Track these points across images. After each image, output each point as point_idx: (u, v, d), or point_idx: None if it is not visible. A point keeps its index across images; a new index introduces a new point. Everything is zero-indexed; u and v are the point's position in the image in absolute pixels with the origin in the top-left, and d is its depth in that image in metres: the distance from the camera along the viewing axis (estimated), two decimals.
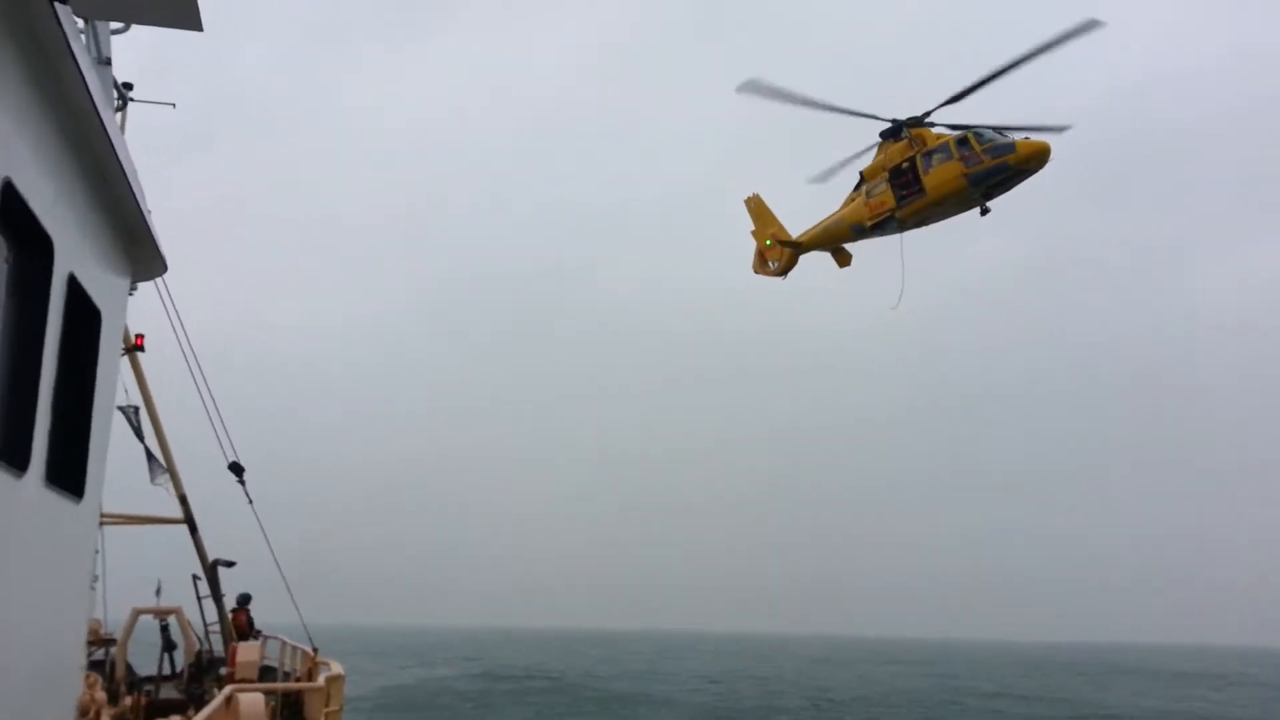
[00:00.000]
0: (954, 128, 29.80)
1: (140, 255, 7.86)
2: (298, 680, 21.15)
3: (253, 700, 14.82)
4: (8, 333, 5.20)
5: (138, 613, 23.74)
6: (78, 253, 6.04)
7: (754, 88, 29.74)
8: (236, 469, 20.83)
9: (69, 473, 6.39)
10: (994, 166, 28.27)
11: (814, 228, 34.66)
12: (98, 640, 21.49)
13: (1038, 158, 27.93)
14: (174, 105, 18.62)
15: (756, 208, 36.72)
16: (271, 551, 20.39)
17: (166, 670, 23.64)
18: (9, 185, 4.65)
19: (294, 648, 22.96)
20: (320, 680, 16.55)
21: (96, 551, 17.88)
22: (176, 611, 23.90)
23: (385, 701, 65.93)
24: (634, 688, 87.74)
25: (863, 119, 30.42)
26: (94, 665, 19.64)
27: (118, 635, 23.01)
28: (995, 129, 29.07)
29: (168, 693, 22.00)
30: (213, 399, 18.42)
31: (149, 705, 17.73)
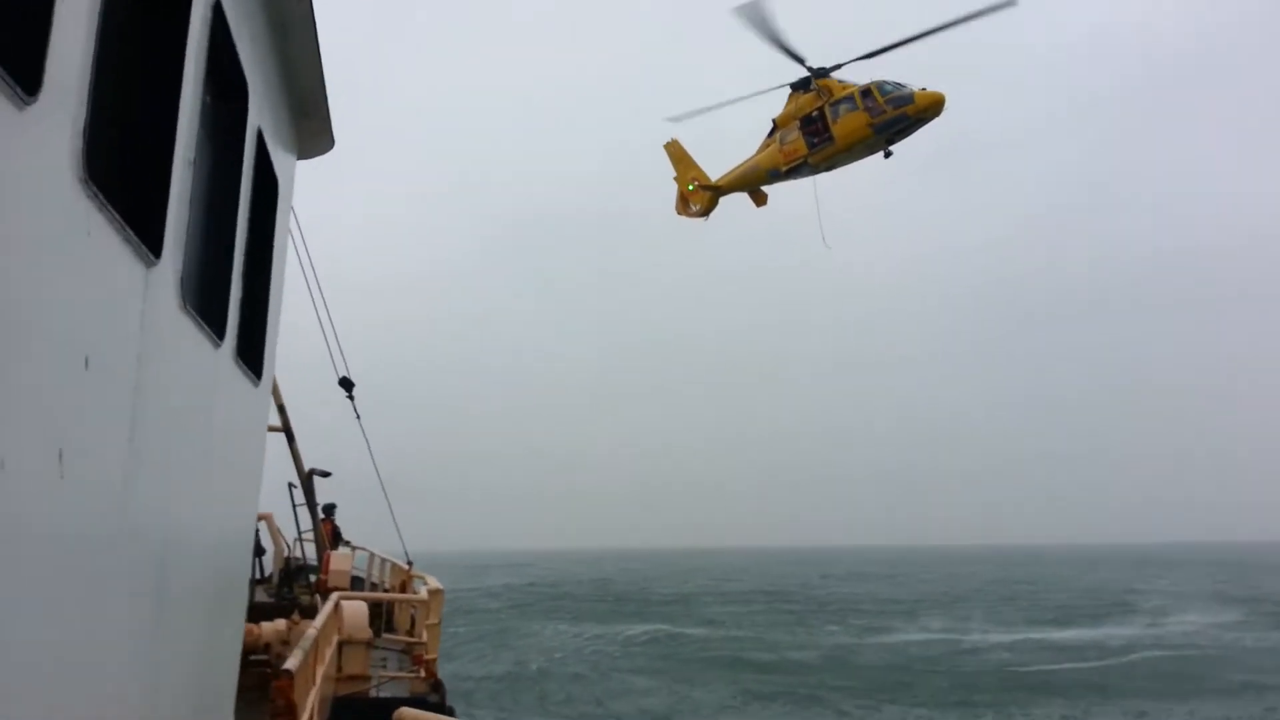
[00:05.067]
0: (870, 56, 31.95)
1: (309, 128, 7.26)
2: (387, 591, 21.26)
3: (356, 608, 14.75)
4: (208, 181, 4.72)
5: None
6: (265, 108, 5.54)
7: (678, 119, 35.85)
8: (346, 384, 20.65)
9: (251, 352, 5.94)
10: (896, 116, 30.81)
11: (732, 172, 37.04)
12: None
13: (933, 107, 30.70)
14: None
15: (677, 153, 38.81)
16: (376, 467, 20.26)
17: (255, 575, 23.93)
18: (219, 13, 4.12)
19: (383, 560, 23.06)
20: (422, 593, 16.45)
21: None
22: (267, 517, 24.11)
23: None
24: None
25: (775, 90, 34.07)
26: None
27: None
28: (918, 36, 31.22)
29: (259, 596, 22.22)
30: (327, 310, 18.15)
31: (250, 607, 17.79)
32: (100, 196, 2.94)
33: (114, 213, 3.10)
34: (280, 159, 6.23)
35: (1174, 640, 56.71)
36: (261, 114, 5.39)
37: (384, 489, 20.82)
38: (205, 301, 4.78)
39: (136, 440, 3.53)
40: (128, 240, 3.31)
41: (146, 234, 3.49)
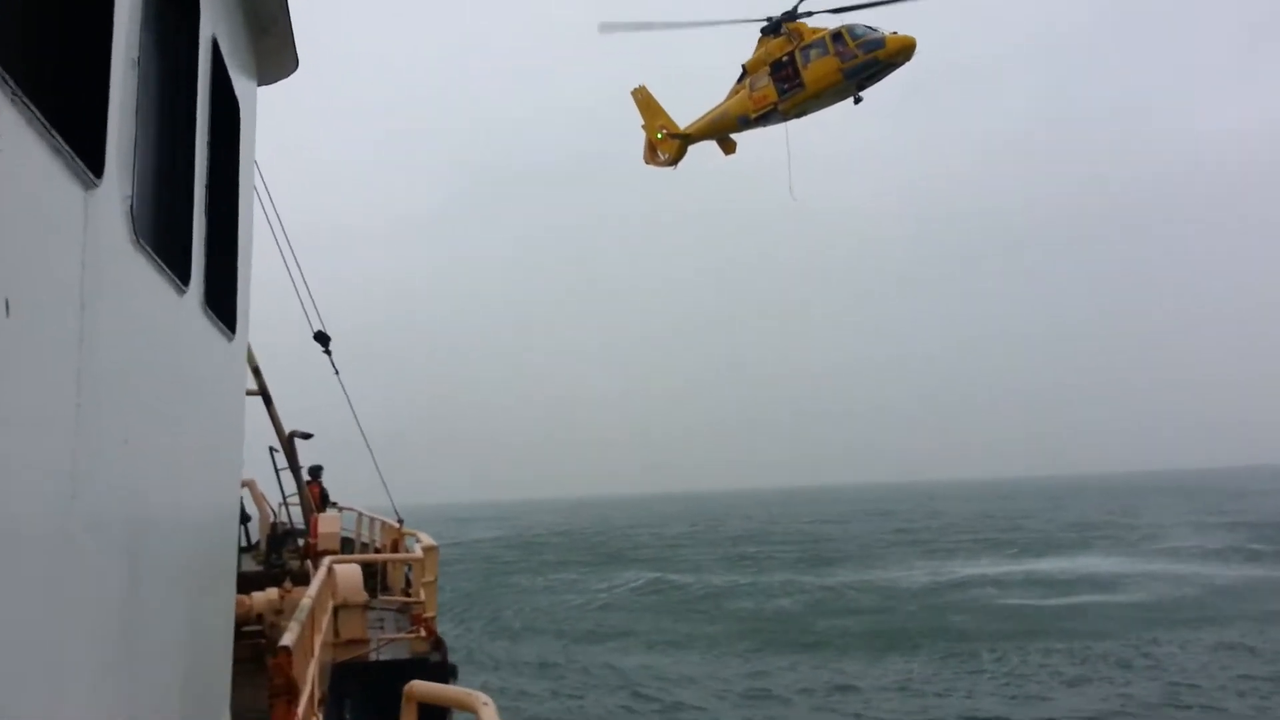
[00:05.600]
0: (836, 12, 31.56)
1: (269, 46, 6.35)
2: (379, 551, 20.78)
3: (349, 571, 14.28)
4: (158, 94, 3.98)
5: None
6: (220, 18, 4.76)
7: (610, 28, 33.53)
8: (322, 338, 19.91)
9: (222, 302, 5.23)
10: (867, 60, 30.29)
11: (701, 119, 36.51)
12: None
13: (904, 51, 30.09)
14: None
15: (644, 100, 38.09)
16: (357, 422, 19.61)
17: (242, 543, 23.41)
18: None
19: (371, 519, 22.55)
20: (415, 551, 15.97)
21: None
22: (250, 484, 23.53)
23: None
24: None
25: (736, 24, 33.50)
26: None
27: None
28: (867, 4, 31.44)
29: (246, 565, 21.72)
30: (297, 263, 17.36)
31: (239, 577, 17.26)
32: (19, 94, 2.24)
33: (36, 114, 2.36)
34: (240, 81, 5.46)
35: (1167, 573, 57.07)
36: (216, 22, 4.62)
37: (368, 445, 20.24)
38: (163, 238, 4.04)
39: (86, 407, 2.86)
40: (58, 152, 2.59)
41: (82, 146, 2.75)
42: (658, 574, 66.46)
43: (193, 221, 4.29)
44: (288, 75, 6.82)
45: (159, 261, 3.72)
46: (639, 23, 34.02)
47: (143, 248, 3.48)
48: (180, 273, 4.11)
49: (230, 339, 5.50)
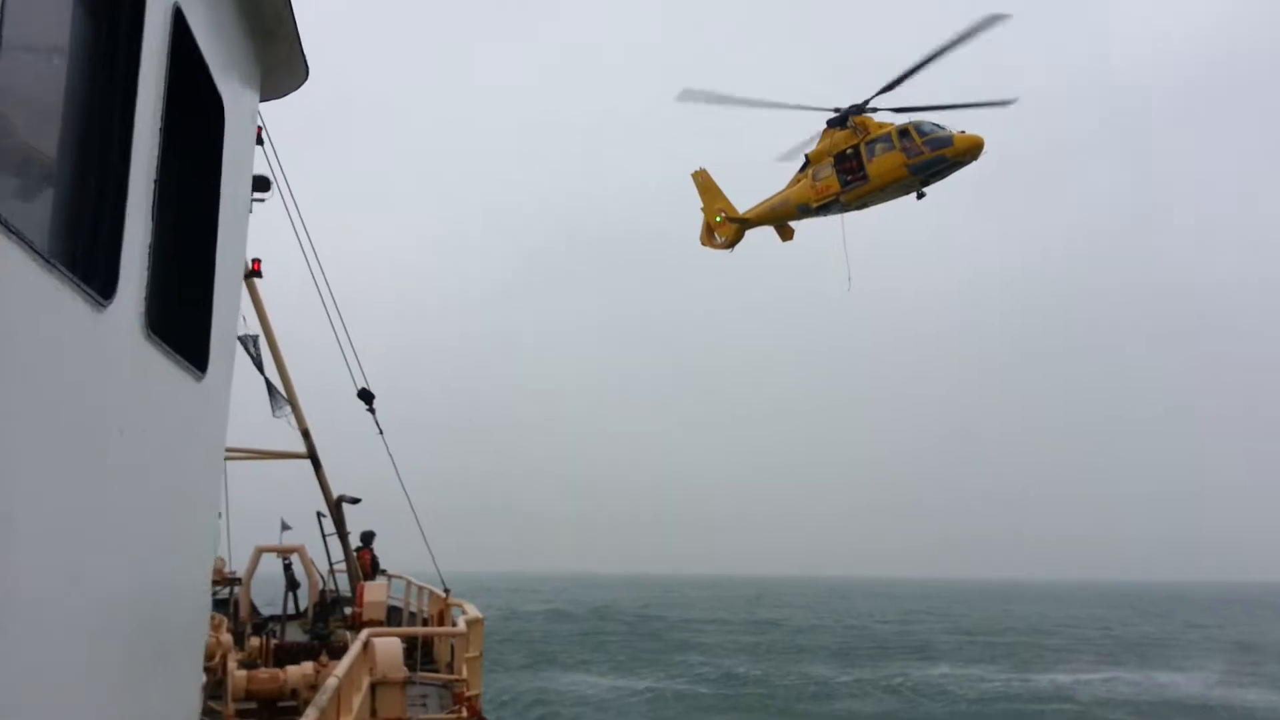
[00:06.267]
0: (899, 111, 31.89)
1: (274, 54, 5.66)
2: (425, 622, 20.05)
3: (389, 645, 13.51)
4: (74, 52, 3.30)
5: (261, 551, 22.95)
6: (198, 4, 4.14)
7: (690, 96, 33.26)
8: (366, 395, 19.49)
9: (185, 335, 4.47)
10: (934, 158, 30.27)
11: (761, 205, 36.43)
12: (222, 579, 20.70)
13: (972, 151, 30.02)
14: None
15: (704, 183, 38.07)
16: (402, 484, 19.04)
17: (290, 610, 22.91)
18: None
19: (420, 588, 21.90)
20: (460, 624, 15.19)
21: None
22: (299, 550, 23.09)
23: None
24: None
25: (806, 111, 33.53)
26: (218, 605, 18.79)
27: (241, 574, 22.25)
28: (935, 107, 31.37)
29: (293, 633, 21.18)
30: (341, 320, 17.00)
31: (277, 649, 16.63)
32: None
33: None
34: (228, 85, 4.81)
35: None
36: (189, 5, 3.98)
37: (414, 510, 19.63)
38: (73, 231, 3.32)
39: None
40: None
41: None
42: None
43: (125, 219, 3.51)
44: (298, 87, 6.24)
45: (59, 265, 2.94)
46: (717, 95, 33.57)
47: (11, 230, 2.64)
48: (98, 278, 3.36)
49: (199, 379, 4.66)
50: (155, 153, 3.74)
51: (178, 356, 4.25)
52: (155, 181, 3.78)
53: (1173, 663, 63.26)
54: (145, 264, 3.75)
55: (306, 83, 6.17)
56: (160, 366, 4.06)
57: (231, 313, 5.39)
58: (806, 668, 58.18)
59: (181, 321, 4.44)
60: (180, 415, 4.50)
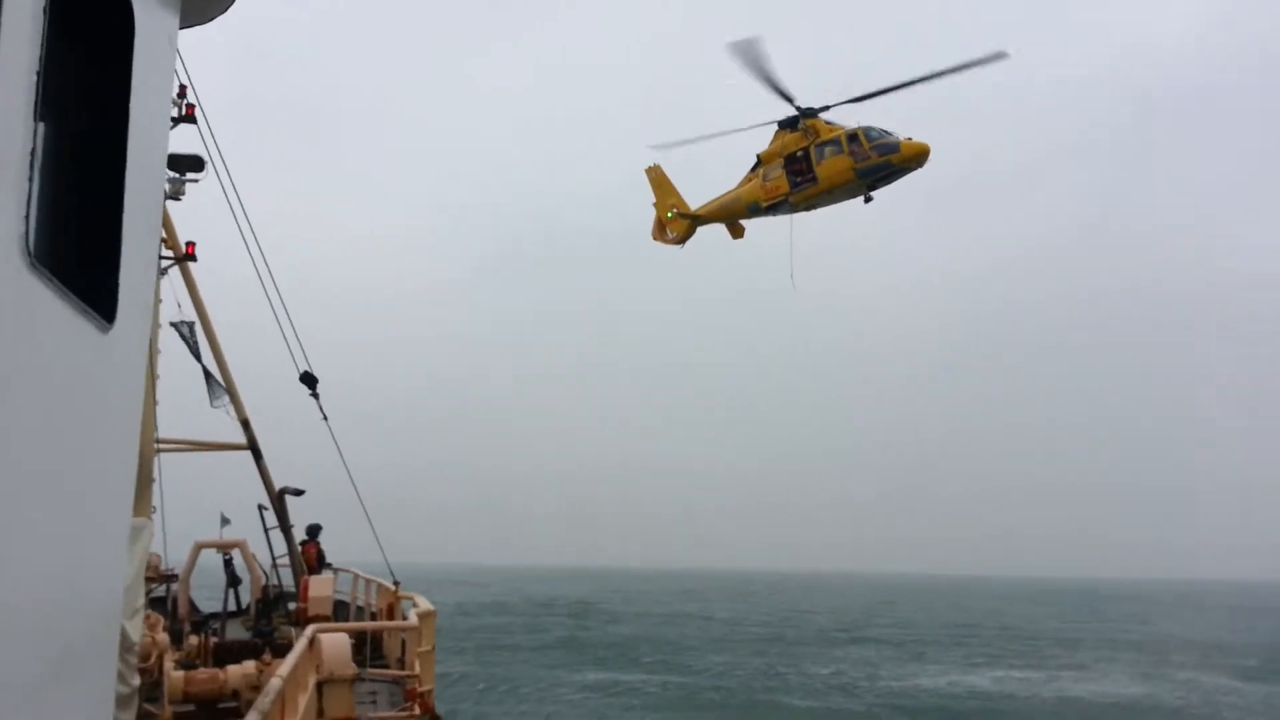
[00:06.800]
0: (883, 92, 32.20)
1: None
2: (374, 616, 19.41)
3: (336, 641, 12.91)
4: None
5: (200, 546, 22.11)
6: None
7: (662, 147, 36.03)
8: (309, 379, 18.68)
9: (87, 276, 3.82)
10: (880, 163, 30.94)
11: (712, 203, 37.31)
12: (158, 576, 19.84)
13: (918, 158, 30.80)
14: None
15: (658, 179, 38.98)
16: (348, 470, 18.35)
17: (232, 607, 22.14)
18: None
19: (368, 581, 21.25)
20: (411, 618, 14.59)
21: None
22: (241, 545, 22.31)
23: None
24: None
25: (762, 127, 34.33)
26: (155, 603, 17.94)
27: (179, 571, 21.40)
28: (926, 77, 31.29)
29: (234, 631, 20.42)
30: (282, 302, 16.24)
31: (217, 647, 15.89)
32: None
33: None
34: (145, 2, 4.15)
35: None
36: None
37: (360, 499, 18.95)
38: None
39: None
40: None
41: None
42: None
43: None
44: (224, 10, 5.58)
45: None
46: (685, 140, 35.27)
47: None
48: None
49: (104, 330, 4.00)
50: (39, 65, 3.13)
51: (73, 297, 3.61)
52: (38, 75, 3.16)
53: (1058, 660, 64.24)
54: (25, 176, 3.14)
55: (233, 6, 5.54)
56: (49, 306, 3.42)
57: (147, 263, 4.71)
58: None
59: (82, 259, 3.82)
60: (79, 370, 3.83)
